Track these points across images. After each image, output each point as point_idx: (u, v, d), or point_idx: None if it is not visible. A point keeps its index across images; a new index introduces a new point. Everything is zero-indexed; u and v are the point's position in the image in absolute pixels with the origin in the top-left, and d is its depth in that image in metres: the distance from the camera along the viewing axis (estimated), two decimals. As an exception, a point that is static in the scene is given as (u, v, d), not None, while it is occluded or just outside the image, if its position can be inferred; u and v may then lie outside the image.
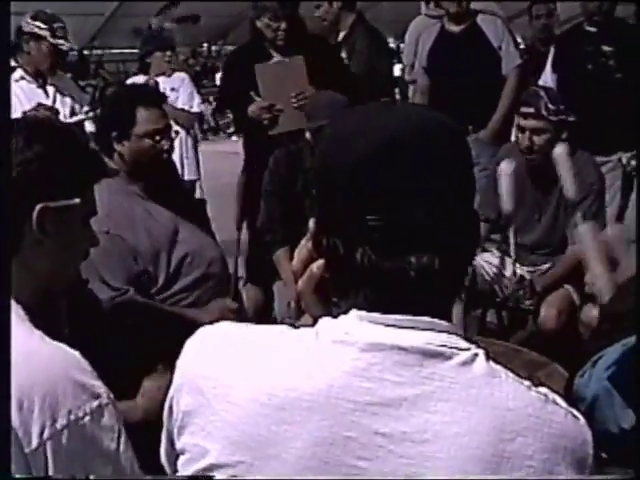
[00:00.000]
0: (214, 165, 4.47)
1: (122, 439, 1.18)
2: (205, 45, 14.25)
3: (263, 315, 3.61)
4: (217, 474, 0.92)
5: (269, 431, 0.90)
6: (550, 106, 3.14)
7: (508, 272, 3.43)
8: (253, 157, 4.15)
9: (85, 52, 12.14)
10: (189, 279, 2.58)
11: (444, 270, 0.91)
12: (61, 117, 4.04)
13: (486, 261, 3.47)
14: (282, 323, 2.72)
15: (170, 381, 1.03)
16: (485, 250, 3.53)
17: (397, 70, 7.50)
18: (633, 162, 4.48)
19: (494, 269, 3.44)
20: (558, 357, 2.75)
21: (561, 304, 3.22)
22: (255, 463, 0.90)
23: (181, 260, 2.55)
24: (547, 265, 3.41)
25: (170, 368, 1.04)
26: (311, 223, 1.00)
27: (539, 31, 5.22)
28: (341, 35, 4.65)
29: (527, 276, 3.43)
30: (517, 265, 3.33)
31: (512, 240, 3.31)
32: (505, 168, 3.20)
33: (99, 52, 12.98)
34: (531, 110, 3.17)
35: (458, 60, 4.37)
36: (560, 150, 3.00)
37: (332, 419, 0.88)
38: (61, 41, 4.06)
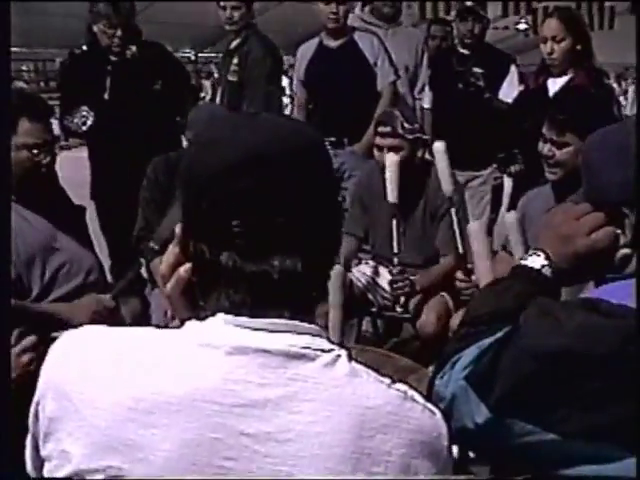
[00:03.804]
0: (81, 172, 4.38)
1: None
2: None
3: (141, 324, 3.58)
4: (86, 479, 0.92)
5: (136, 435, 0.91)
6: (406, 125, 3.26)
7: (382, 281, 3.53)
8: (102, 164, 4.17)
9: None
10: (66, 288, 2.54)
11: (307, 273, 0.96)
12: None
13: (360, 272, 3.56)
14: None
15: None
16: (360, 262, 3.63)
17: (285, 82, 7.60)
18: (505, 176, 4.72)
19: (368, 278, 3.53)
20: (433, 361, 2.85)
21: (440, 309, 3.32)
22: (123, 467, 0.91)
23: (57, 269, 2.51)
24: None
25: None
26: (177, 228, 1.03)
27: (432, 51, 5.39)
28: (234, 43, 4.65)
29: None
30: (395, 261, 3.30)
31: (395, 231, 3.26)
32: (390, 160, 3.25)
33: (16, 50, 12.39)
34: (388, 129, 3.28)
35: (334, 74, 4.44)
36: (439, 145, 3.07)
37: (198, 421, 0.90)
38: None
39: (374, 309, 3.58)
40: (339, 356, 0.96)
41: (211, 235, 0.97)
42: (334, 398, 0.92)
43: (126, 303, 3.46)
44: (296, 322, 0.96)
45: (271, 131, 0.99)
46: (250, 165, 0.95)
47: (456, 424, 1.26)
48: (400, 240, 3.26)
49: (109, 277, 3.88)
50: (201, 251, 0.98)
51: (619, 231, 1.40)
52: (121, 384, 0.94)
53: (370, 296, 3.53)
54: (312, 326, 0.98)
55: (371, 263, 3.60)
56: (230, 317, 0.95)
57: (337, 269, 2.52)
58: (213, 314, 0.97)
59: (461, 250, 3.03)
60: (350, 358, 0.97)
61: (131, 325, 3.35)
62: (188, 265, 1.03)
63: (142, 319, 3.64)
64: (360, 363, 0.98)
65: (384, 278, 3.52)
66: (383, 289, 3.50)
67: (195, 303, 1.03)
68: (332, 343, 0.98)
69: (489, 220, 4.79)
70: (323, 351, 0.95)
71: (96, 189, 4.29)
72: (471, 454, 1.90)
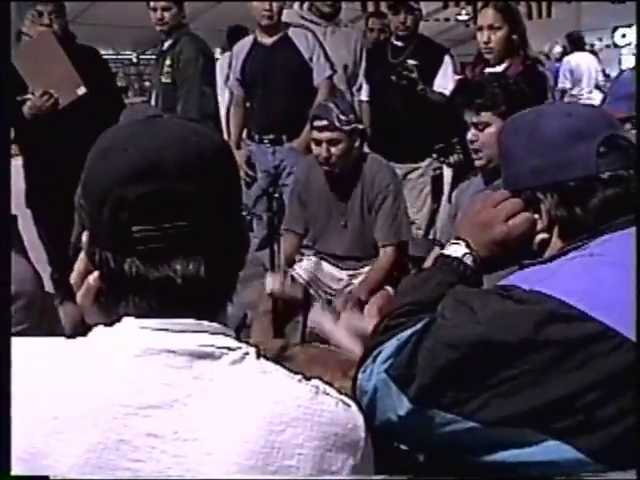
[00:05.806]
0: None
1: None
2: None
3: (81, 331, 3.52)
4: None
5: (42, 442, 0.91)
6: (342, 117, 3.25)
7: (325, 277, 3.52)
8: (36, 171, 4.12)
9: None
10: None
11: (211, 276, 0.97)
12: None
13: (302, 267, 3.55)
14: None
15: None
16: (302, 258, 3.62)
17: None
18: (445, 166, 4.75)
19: (310, 274, 3.52)
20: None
21: (381, 303, 3.30)
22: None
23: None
24: (366, 268, 3.50)
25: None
26: (84, 236, 1.03)
27: (370, 44, 5.39)
28: (166, 44, 4.60)
29: (345, 277, 3.55)
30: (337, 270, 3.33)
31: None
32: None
33: None
34: (324, 123, 3.26)
35: (270, 71, 4.42)
36: None
37: (104, 424, 0.91)
38: None
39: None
40: (247, 354, 0.97)
41: (113, 243, 0.98)
42: (241, 395, 0.93)
43: (65, 311, 3.42)
44: (202, 322, 0.98)
45: (168, 136, 1.00)
46: (146, 171, 0.96)
47: (380, 417, 1.27)
48: (334, 257, 3.34)
49: (49, 285, 3.83)
50: (106, 259, 0.99)
51: (536, 216, 1.41)
52: (31, 391, 0.94)
53: (313, 292, 3.52)
54: (218, 325, 0.99)
55: (313, 258, 3.59)
56: (136, 320, 0.97)
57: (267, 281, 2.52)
58: (120, 319, 0.98)
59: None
60: (259, 355, 0.99)
61: (72, 332, 3.30)
62: (97, 273, 1.02)
63: (82, 326, 3.59)
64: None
65: (326, 273, 3.52)
66: (326, 284, 3.50)
67: (108, 310, 1.02)
68: (240, 341, 0.99)
69: (431, 210, 4.82)
70: (229, 349, 0.97)
71: (31, 197, 4.21)
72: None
